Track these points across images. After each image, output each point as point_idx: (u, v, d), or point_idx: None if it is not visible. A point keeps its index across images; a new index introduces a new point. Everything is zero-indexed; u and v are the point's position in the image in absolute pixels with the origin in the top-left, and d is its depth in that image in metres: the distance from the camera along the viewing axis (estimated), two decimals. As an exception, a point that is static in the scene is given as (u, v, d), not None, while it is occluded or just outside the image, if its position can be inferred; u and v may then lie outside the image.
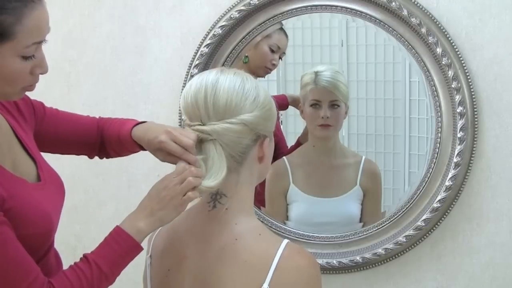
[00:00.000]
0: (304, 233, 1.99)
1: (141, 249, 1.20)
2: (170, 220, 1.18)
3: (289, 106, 2.10)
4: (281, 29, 2.02)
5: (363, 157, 2.06)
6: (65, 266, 1.27)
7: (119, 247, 1.17)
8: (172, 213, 1.17)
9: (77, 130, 1.43)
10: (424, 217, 1.86)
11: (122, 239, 1.17)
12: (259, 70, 2.07)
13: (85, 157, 2.12)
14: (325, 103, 2.00)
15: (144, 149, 1.34)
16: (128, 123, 1.38)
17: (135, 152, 1.41)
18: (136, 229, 1.17)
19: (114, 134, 1.39)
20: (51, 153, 1.42)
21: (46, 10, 1.12)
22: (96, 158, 2.12)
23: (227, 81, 1.14)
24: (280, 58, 2.07)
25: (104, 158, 1.50)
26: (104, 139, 1.43)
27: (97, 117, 1.48)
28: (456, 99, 1.79)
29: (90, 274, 1.15)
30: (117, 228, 1.19)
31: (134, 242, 1.17)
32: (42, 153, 1.36)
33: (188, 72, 1.97)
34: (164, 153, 1.22)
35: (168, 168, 1.21)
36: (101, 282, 1.17)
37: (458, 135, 1.80)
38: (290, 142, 2.13)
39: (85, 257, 1.18)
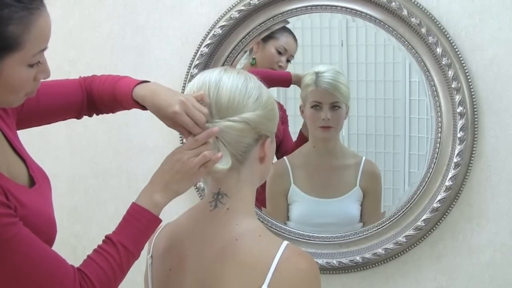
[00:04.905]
0: (305, 233, 1.99)
1: (160, 221, 1.20)
2: (185, 191, 1.19)
3: (293, 97, 2.07)
4: (290, 32, 2.03)
5: (363, 158, 2.06)
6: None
7: (139, 224, 1.17)
8: (187, 184, 1.18)
9: (60, 99, 1.37)
10: (424, 217, 1.86)
11: (140, 215, 1.17)
12: None
13: (85, 157, 2.14)
14: (326, 105, 1.99)
15: (145, 109, 1.29)
16: (124, 81, 1.32)
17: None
18: (153, 203, 1.17)
19: (108, 93, 1.35)
20: (38, 126, 1.39)
21: (49, 16, 1.11)
22: (95, 159, 2.14)
23: (230, 79, 1.15)
24: (288, 61, 2.06)
25: (94, 115, 1.44)
26: (94, 98, 1.37)
27: (78, 77, 1.42)
28: (456, 99, 1.79)
29: (118, 255, 1.16)
30: (134, 205, 1.19)
31: (153, 216, 1.18)
32: (31, 146, 1.33)
33: (188, 72, 1.97)
34: (172, 121, 1.20)
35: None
36: (129, 260, 1.18)
37: (458, 135, 1.80)
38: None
39: (108, 238, 1.18)
